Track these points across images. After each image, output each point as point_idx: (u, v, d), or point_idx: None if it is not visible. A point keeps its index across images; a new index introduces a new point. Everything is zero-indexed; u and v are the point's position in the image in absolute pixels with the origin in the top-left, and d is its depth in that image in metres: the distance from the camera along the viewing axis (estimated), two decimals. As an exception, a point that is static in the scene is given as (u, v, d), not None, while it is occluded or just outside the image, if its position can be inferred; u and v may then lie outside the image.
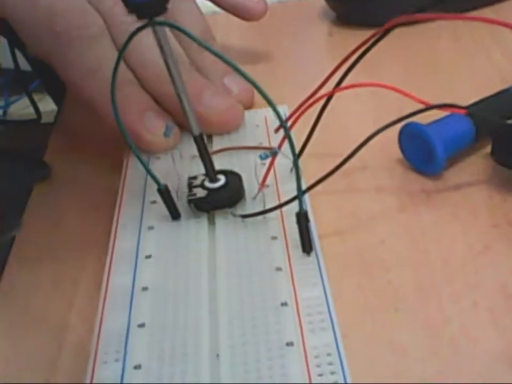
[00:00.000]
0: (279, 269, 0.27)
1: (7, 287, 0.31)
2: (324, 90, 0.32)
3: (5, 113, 1.10)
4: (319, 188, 0.29)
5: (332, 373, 0.22)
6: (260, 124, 0.37)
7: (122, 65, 0.35)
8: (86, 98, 0.36)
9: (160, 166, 0.34)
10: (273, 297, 0.26)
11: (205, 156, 0.29)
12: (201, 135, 0.29)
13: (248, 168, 0.33)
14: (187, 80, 0.29)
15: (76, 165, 0.38)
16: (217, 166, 0.33)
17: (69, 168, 0.38)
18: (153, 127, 0.35)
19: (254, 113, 0.38)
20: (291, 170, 0.33)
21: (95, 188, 0.36)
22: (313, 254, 0.27)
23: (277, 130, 0.36)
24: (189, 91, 0.29)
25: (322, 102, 0.32)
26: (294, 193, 0.30)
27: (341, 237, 0.30)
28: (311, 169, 0.32)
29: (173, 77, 0.28)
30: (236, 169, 0.32)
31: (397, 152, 0.34)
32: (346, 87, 0.30)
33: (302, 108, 0.32)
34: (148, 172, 0.30)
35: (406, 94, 0.31)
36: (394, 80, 0.31)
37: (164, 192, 0.30)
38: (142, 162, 0.29)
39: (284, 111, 0.38)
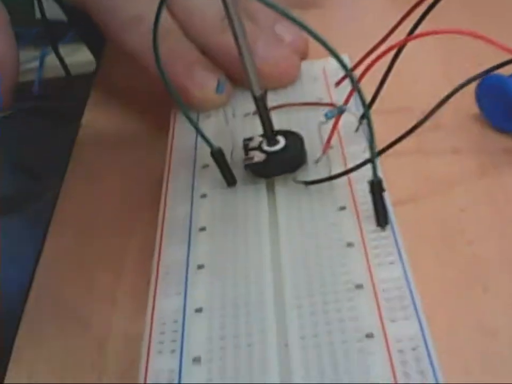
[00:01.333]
0: (350, 244, 0.24)
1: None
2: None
3: (41, 64, 1.07)
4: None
5: (420, 372, 0.19)
6: (318, 77, 0.33)
7: (165, 13, 0.32)
8: (127, 50, 0.33)
9: (211, 126, 0.31)
10: (346, 278, 0.23)
11: (265, 118, 0.26)
12: (263, 95, 0.26)
13: (308, 127, 0.30)
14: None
15: (118, 123, 0.35)
16: (275, 123, 0.30)
17: (111, 127, 0.35)
18: (202, 81, 0.32)
19: (310, 64, 0.34)
20: (356, 129, 0.29)
21: (139, 148, 0.33)
22: (388, 227, 0.24)
23: (338, 83, 0.32)
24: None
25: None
26: (361, 155, 0.28)
27: (415, 205, 0.27)
28: (379, 128, 0.29)
29: (234, 28, 0.24)
30: (295, 129, 0.29)
31: (473, 108, 0.30)
32: (421, 35, 0.26)
33: (370, 59, 0.28)
34: (199, 132, 0.27)
35: (490, 41, 0.27)
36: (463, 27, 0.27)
37: (218, 156, 0.27)
38: (191, 122, 0.26)
39: (345, 61, 0.34)
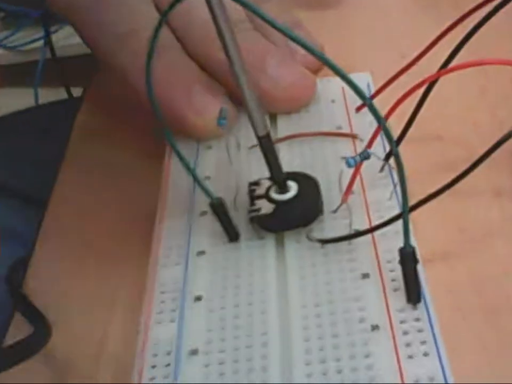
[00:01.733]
0: (375, 327, 0.20)
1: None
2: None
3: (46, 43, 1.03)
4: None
5: None
6: (336, 98, 0.29)
7: (164, 28, 0.28)
8: (117, 70, 0.28)
9: (211, 160, 0.27)
10: (369, 373, 0.19)
11: (273, 161, 0.22)
12: (267, 135, 0.22)
13: (324, 164, 0.26)
14: (246, 43, 0.22)
15: (107, 152, 0.30)
16: (283, 158, 0.26)
17: (98, 156, 0.31)
18: (203, 107, 0.27)
19: (327, 83, 0.30)
20: (381, 169, 0.25)
21: (130, 179, 0.29)
22: (421, 305, 0.20)
23: (359, 109, 0.28)
24: (248, 59, 0.22)
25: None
26: (387, 203, 0.23)
27: (447, 264, 0.23)
28: (406, 163, 0.25)
29: (228, 50, 0.20)
30: (308, 166, 0.25)
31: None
32: (453, 69, 0.22)
33: (396, 88, 0.24)
34: (196, 180, 0.23)
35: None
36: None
37: (218, 208, 0.23)
38: (187, 167, 0.22)
39: (367, 79, 0.30)
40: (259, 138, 0.22)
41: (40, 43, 1.08)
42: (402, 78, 0.26)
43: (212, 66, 0.29)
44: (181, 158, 0.22)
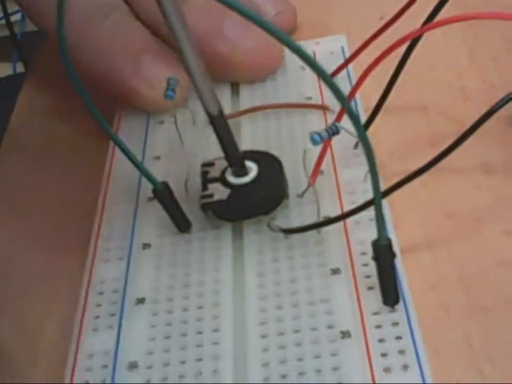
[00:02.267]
0: (346, 334, 0.17)
1: None
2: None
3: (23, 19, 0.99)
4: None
5: None
6: (305, 65, 0.26)
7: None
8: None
9: (162, 136, 0.24)
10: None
11: (227, 142, 0.19)
12: (220, 115, 0.18)
13: (289, 140, 0.22)
14: (198, 11, 0.20)
15: (52, 131, 0.27)
16: (244, 134, 0.23)
17: (39, 136, 0.27)
18: (153, 76, 0.24)
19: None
20: (355, 146, 0.22)
21: (73, 164, 0.25)
22: (400, 307, 0.17)
23: (333, 75, 0.25)
24: (202, 25, 0.18)
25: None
26: (361, 186, 0.20)
27: (432, 255, 0.19)
28: (388, 137, 0.22)
29: (169, 21, 0.17)
30: (272, 141, 0.22)
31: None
32: (438, 24, 0.19)
33: (373, 49, 0.21)
34: (135, 164, 0.19)
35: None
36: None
37: (163, 194, 0.19)
38: (130, 158, 0.19)
39: (341, 43, 0.26)
40: (210, 117, 0.18)
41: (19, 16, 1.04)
42: (381, 41, 0.22)
43: (165, 31, 0.25)
44: (114, 139, 0.19)
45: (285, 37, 0.14)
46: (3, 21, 0.97)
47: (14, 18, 1.04)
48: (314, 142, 0.18)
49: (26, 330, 0.20)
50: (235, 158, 0.19)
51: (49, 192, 0.25)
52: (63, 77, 0.18)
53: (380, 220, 0.16)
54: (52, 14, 0.23)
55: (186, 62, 0.17)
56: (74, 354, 0.18)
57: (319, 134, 0.18)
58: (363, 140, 0.15)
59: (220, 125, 0.18)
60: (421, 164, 0.18)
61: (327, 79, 0.15)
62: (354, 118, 0.15)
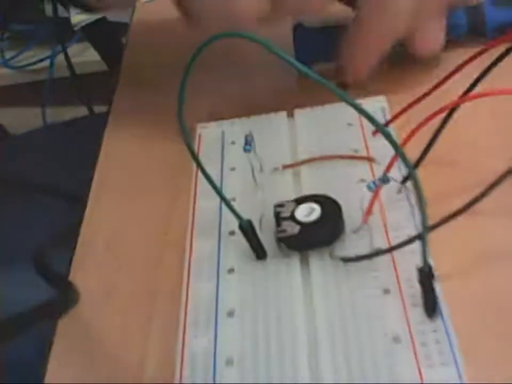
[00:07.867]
0: (396, 339, 0.21)
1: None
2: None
3: (51, 65, 1.05)
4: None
5: None
6: (352, 122, 0.31)
7: None
8: None
9: (236, 181, 0.29)
10: (392, 379, 0.20)
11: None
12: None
13: (342, 185, 0.27)
14: None
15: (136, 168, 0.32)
16: (306, 180, 0.28)
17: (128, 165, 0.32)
18: None
19: (343, 106, 0.31)
20: (398, 191, 0.27)
21: (159, 195, 0.30)
22: (439, 319, 0.22)
23: (375, 133, 0.30)
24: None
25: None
26: (405, 224, 0.25)
27: (465, 284, 0.24)
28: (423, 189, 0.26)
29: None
30: (327, 186, 0.27)
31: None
32: (476, 96, 0.24)
33: (414, 128, 0.25)
34: (225, 202, 0.24)
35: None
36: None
37: (247, 229, 0.24)
38: (217, 191, 0.24)
39: (381, 104, 0.31)
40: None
41: (47, 62, 1.09)
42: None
43: None
44: (210, 181, 0.24)
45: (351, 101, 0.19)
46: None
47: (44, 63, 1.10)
48: (370, 189, 0.23)
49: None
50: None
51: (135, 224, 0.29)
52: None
53: (425, 250, 0.21)
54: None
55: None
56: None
57: (373, 182, 0.23)
58: (415, 182, 0.20)
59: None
60: (453, 208, 0.23)
61: (387, 134, 0.19)
62: (407, 163, 0.20)
